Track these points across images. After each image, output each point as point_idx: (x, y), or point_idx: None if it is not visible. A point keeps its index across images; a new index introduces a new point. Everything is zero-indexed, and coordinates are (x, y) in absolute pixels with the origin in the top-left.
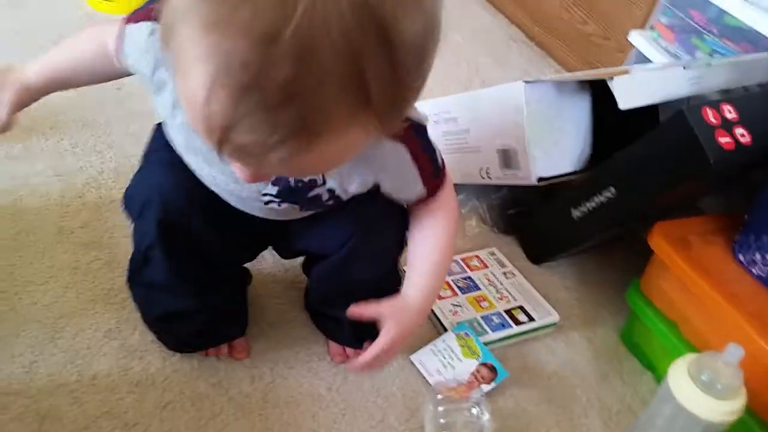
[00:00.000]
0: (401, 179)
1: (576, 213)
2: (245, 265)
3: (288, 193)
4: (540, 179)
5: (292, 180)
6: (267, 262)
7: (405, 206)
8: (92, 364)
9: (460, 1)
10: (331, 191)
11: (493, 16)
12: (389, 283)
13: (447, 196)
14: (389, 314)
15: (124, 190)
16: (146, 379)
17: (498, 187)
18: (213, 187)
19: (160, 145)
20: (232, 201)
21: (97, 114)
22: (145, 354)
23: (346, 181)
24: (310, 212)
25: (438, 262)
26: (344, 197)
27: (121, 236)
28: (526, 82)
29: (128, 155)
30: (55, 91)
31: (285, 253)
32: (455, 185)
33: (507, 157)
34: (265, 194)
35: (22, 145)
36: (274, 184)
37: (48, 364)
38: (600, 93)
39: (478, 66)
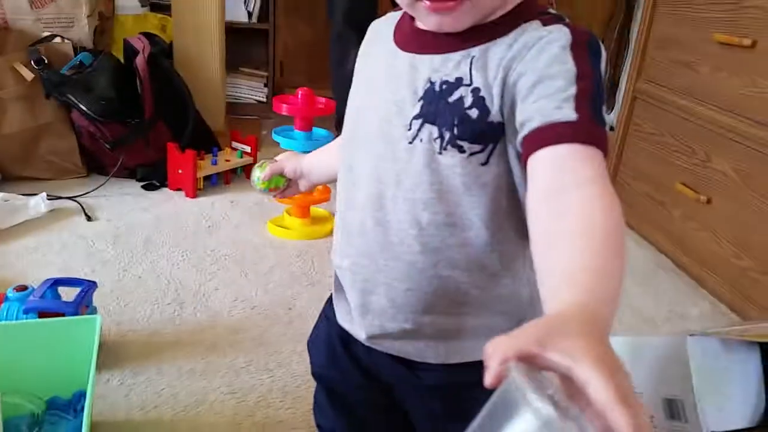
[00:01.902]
0: (545, 66)
1: None
2: None
3: (431, 100)
4: None
5: (438, 83)
6: None
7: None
8: None
9: None
10: (476, 91)
11: (639, 245)
12: None
13: (603, 164)
14: (558, 333)
15: (289, 410)
16: None
17: None
18: (351, 190)
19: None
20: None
21: (269, 333)
22: None
23: (488, 65)
24: (447, 161)
25: (607, 248)
26: (489, 105)
27: None
28: (691, 335)
29: (295, 374)
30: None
31: None
32: None
33: (673, 408)
34: (410, 123)
35: (205, 361)
36: (420, 99)
37: None
38: None
39: (627, 294)
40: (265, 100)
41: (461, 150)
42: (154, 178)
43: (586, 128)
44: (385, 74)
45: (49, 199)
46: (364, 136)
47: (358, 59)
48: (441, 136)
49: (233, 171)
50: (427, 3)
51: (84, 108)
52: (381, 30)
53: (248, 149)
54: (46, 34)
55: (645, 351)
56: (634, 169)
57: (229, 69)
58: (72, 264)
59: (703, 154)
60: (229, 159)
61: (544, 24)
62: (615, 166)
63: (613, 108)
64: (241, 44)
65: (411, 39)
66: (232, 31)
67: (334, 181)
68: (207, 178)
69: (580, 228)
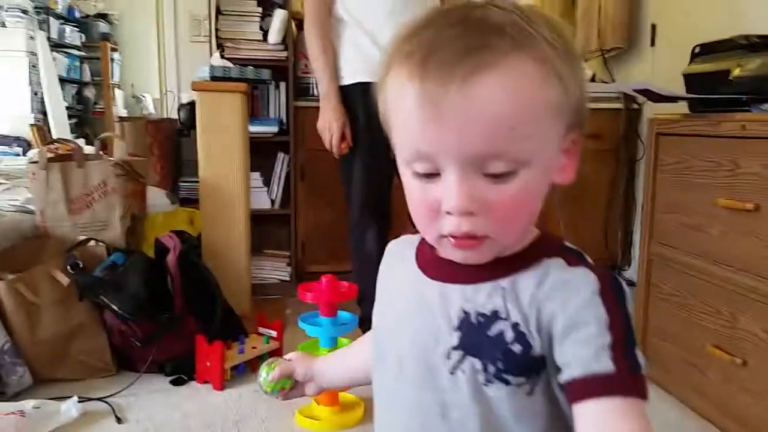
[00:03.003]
0: (577, 311)
1: None
2: None
3: (469, 332)
4: None
5: (473, 314)
6: None
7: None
8: None
9: None
10: (515, 327)
11: (681, 412)
12: None
13: (645, 412)
14: None
15: None
16: None
17: None
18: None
19: None
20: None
21: None
22: None
23: (519, 298)
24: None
25: None
26: (531, 340)
27: None
28: None
29: None
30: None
31: None
32: None
33: None
34: (449, 353)
35: None
36: (457, 329)
37: None
38: None
39: None
40: (288, 279)
41: (507, 383)
42: (182, 371)
43: (624, 380)
44: (415, 301)
45: (80, 402)
46: (398, 361)
47: (379, 277)
48: (485, 369)
49: (259, 357)
50: (453, 240)
51: (116, 308)
52: (401, 251)
53: (274, 334)
54: (81, 238)
55: None
56: (661, 330)
57: (252, 252)
58: None
59: (728, 314)
60: (255, 346)
61: (568, 263)
62: (642, 328)
63: (630, 265)
64: (264, 228)
65: (437, 267)
66: (256, 217)
67: (343, 388)
68: (234, 367)
69: None
